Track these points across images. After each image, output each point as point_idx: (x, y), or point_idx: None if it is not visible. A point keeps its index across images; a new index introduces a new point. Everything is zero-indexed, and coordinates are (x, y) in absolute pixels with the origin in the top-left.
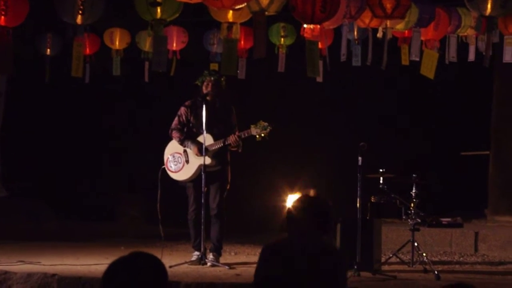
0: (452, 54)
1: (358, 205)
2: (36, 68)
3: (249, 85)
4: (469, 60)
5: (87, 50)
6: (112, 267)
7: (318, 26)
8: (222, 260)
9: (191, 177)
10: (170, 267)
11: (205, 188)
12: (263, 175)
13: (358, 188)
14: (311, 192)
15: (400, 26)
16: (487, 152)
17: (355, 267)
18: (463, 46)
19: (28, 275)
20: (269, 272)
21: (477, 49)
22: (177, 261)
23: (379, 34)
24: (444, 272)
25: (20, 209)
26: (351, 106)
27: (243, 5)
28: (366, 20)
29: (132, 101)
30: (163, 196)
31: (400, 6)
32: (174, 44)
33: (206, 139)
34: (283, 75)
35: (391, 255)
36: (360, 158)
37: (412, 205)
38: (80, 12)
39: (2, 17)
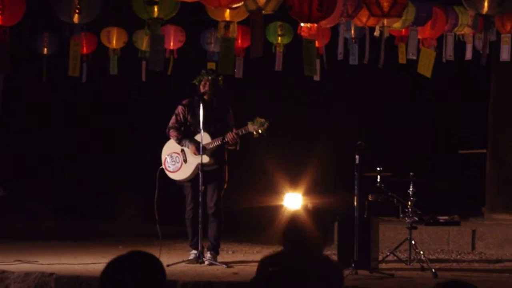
0: (449, 52)
1: (355, 203)
2: (33, 67)
3: (246, 84)
4: (466, 59)
5: (84, 49)
6: (110, 266)
7: (315, 25)
8: (219, 258)
9: (189, 176)
10: (168, 266)
11: (203, 187)
12: (261, 174)
13: (356, 187)
14: (309, 206)
15: (397, 24)
16: (485, 150)
17: (353, 265)
18: (460, 44)
19: (25, 274)
20: (267, 285)
21: (474, 47)
22: (174, 260)
23: (376, 33)
24: (442, 270)
25: (18, 209)
26: (348, 104)
27: (240, 4)
28: (363, 18)
29: (128, 100)
30: (160, 195)
31: (397, 5)
32: (171, 43)
33: (204, 138)
34: (280, 74)
35: (388, 253)
36: (357, 156)
37: (409, 203)
38: (77, 11)
39: None
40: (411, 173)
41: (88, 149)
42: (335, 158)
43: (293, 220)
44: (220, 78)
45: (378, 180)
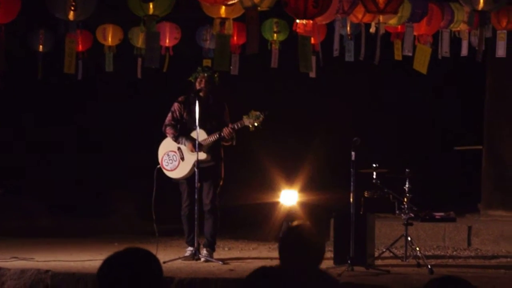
0: (445, 49)
1: (351, 200)
2: (29, 65)
3: (242, 81)
4: (462, 55)
5: (80, 47)
6: (107, 263)
7: (311, 22)
8: (215, 255)
9: (187, 174)
10: (164, 262)
11: (198, 184)
12: (257, 170)
13: (352, 183)
14: (303, 221)
15: (393, 21)
16: (480, 147)
17: (349, 261)
18: (456, 41)
19: (21, 271)
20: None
21: (470, 44)
22: (170, 256)
23: (372, 29)
24: (437, 266)
25: (14, 206)
26: (344, 101)
27: (235, 1)
28: (359, 15)
29: (124, 98)
30: (157, 193)
31: (393, 1)
32: (167, 40)
33: (200, 134)
34: (276, 70)
35: (384, 250)
36: (353, 153)
37: (405, 199)
38: (72, 8)
39: None
40: (407, 170)
41: (84, 146)
42: (331, 154)
43: (291, 234)
44: (216, 75)
45: (374, 176)
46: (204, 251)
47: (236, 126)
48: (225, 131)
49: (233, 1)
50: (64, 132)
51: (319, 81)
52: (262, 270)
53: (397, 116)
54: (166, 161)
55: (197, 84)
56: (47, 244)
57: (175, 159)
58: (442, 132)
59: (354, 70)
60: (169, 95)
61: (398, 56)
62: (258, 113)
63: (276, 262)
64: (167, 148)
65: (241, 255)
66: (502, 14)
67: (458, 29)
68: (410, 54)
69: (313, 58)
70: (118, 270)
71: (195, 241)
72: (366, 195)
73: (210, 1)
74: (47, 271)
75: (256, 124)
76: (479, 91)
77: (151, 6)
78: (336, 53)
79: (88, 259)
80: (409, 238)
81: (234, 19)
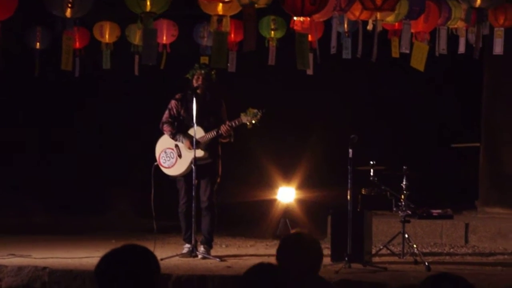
0: (442, 46)
1: (348, 197)
2: (26, 62)
3: (239, 78)
4: (459, 52)
5: (77, 44)
6: (104, 260)
7: (308, 19)
8: (213, 252)
9: (185, 171)
10: (161, 259)
11: (196, 181)
12: (254, 168)
13: (349, 180)
14: (303, 231)
15: (390, 18)
16: (478, 144)
17: (346, 259)
18: (453, 38)
19: (19, 268)
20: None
21: (467, 41)
22: (168, 253)
23: (369, 27)
24: (435, 263)
25: (11, 203)
26: (342, 99)
27: None
28: (356, 12)
29: (121, 95)
30: (154, 190)
31: None
32: (164, 38)
33: (197, 132)
34: (273, 68)
35: (381, 247)
36: (350, 150)
37: (402, 197)
38: (69, 5)
39: None
40: (404, 167)
41: (81, 143)
42: (328, 152)
43: (288, 241)
44: (213, 72)
45: (372, 173)
46: (201, 248)
47: (233, 124)
48: (223, 129)
49: None
50: (61, 129)
51: (317, 79)
52: (259, 267)
53: (394, 114)
54: (163, 158)
55: (194, 81)
56: (45, 241)
57: (173, 156)
58: (440, 129)
59: (352, 67)
60: (166, 92)
61: (395, 54)
62: (255, 110)
63: (273, 259)
64: (164, 146)
65: (239, 252)
66: (500, 11)
67: (456, 26)
68: (408, 51)
69: (311, 56)
70: (116, 267)
71: (193, 238)
72: (363, 192)
73: None
74: (44, 268)
75: (253, 121)
76: (476, 89)
77: (148, 3)
78: (333, 51)
79: (86, 256)
80: (406, 235)
81: (232, 17)
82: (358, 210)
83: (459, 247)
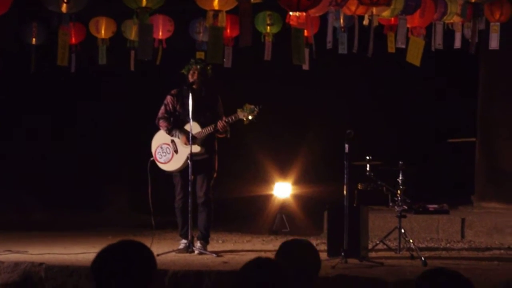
0: (438, 41)
1: (345, 192)
2: (22, 58)
3: (235, 74)
4: (455, 47)
5: (73, 39)
6: (101, 256)
7: (304, 14)
8: (209, 248)
9: (181, 166)
10: (158, 255)
11: (192, 177)
12: (251, 163)
13: (345, 176)
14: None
15: (386, 13)
16: (474, 139)
17: (343, 254)
18: (449, 33)
19: (15, 264)
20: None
21: (463, 36)
22: (164, 249)
23: (365, 22)
24: (431, 258)
25: (7, 199)
26: (338, 93)
27: None
28: (352, 7)
29: (117, 90)
30: (150, 186)
31: None
32: (160, 33)
33: (193, 127)
34: (269, 63)
35: (378, 242)
36: (346, 145)
37: (398, 192)
38: (65, 0)
39: None
40: (400, 162)
41: (77, 140)
42: (325, 147)
43: (287, 248)
44: (208, 67)
45: (368, 169)
46: (198, 244)
47: (230, 120)
48: (219, 124)
49: None
50: (58, 125)
51: (312, 74)
52: (257, 261)
53: (391, 109)
54: (159, 153)
55: (190, 76)
56: (41, 237)
57: (169, 152)
58: (436, 124)
59: (347, 62)
60: (162, 87)
61: (391, 49)
62: (252, 106)
63: (269, 254)
64: (160, 141)
65: (235, 248)
66: (495, 6)
67: (452, 21)
68: (404, 46)
69: (306, 51)
70: (112, 263)
71: (189, 234)
72: (359, 188)
73: None
74: (41, 264)
75: (250, 117)
76: (472, 84)
77: None
78: (329, 46)
79: (82, 252)
80: (402, 230)
81: (227, 12)
82: (355, 205)
83: (455, 242)
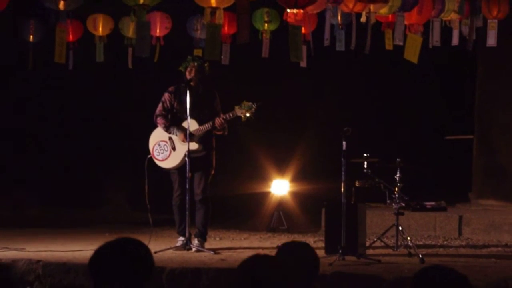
0: (435, 38)
1: (342, 189)
2: (19, 55)
3: (233, 71)
4: (452, 44)
5: (70, 37)
6: (99, 252)
7: (302, 11)
8: (207, 245)
9: (179, 164)
10: (155, 252)
11: (190, 174)
12: (248, 160)
13: (343, 173)
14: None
15: (383, 10)
16: (471, 136)
17: (340, 251)
18: (446, 30)
19: (12, 262)
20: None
21: (460, 33)
22: (162, 246)
23: (363, 19)
24: (429, 255)
25: (4, 197)
26: (336, 91)
27: None
28: (350, 4)
29: (115, 87)
30: (148, 183)
31: None
32: (158, 30)
33: (191, 124)
34: (267, 60)
35: (375, 239)
36: (344, 142)
37: (396, 189)
38: None
39: None
40: (398, 159)
41: (75, 137)
42: (322, 144)
43: (285, 250)
44: (206, 65)
45: (365, 166)
46: (195, 241)
47: (228, 117)
48: (217, 122)
49: None
50: (51, 121)
51: (310, 71)
52: (255, 258)
53: (388, 106)
54: (157, 151)
55: (187, 73)
56: (38, 235)
57: (166, 149)
58: (433, 121)
59: (345, 59)
60: (159, 85)
61: (389, 46)
62: (250, 103)
63: (267, 252)
64: (158, 138)
65: (233, 245)
66: (493, 3)
67: (449, 18)
68: (401, 43)
69: (304, 48)
70: (110, 260)
71: (187, 231)
72: (357, 185)
73: None
74: (38, 261)
75: (248, 114)
76: (469, 81)
77: None
78: (327, 43)
79: (79, 249)
80: (400, 228)
81: (225, 9)
82: (352, 202)
83: (452, 239)
